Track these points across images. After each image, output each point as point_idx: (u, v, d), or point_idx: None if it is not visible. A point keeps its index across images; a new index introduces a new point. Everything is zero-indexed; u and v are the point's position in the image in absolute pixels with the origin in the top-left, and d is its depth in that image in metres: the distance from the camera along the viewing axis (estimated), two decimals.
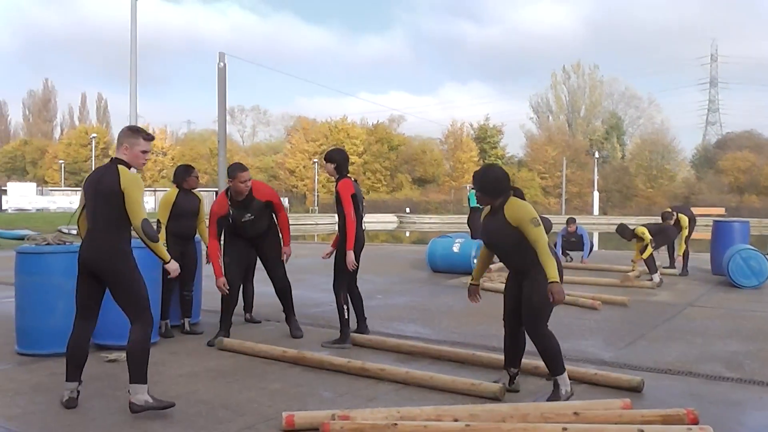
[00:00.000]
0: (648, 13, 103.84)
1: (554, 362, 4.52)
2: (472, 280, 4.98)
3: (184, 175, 6.80)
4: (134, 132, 4.40)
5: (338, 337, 6.31)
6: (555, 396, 4.47)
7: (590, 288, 9.98)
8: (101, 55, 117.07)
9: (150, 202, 57.24)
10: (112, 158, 4.36)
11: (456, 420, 3.94)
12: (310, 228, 44.44)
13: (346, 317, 6.31)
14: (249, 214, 6.33)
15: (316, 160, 70.08)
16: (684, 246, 11.66)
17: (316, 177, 69.45)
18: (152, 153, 64.73)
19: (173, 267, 4.62)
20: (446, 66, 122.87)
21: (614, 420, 3.96)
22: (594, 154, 67.54)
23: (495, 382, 4.71)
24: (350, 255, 6.15)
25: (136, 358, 4.21)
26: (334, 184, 6.39)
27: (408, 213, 59.48)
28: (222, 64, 21.97)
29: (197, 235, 6.96)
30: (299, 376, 5.25)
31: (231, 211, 6.32)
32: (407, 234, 43.79)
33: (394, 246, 22.98)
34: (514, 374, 4.78)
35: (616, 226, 11.33)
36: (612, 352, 6.13)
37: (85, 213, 4.41)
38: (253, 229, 6.41)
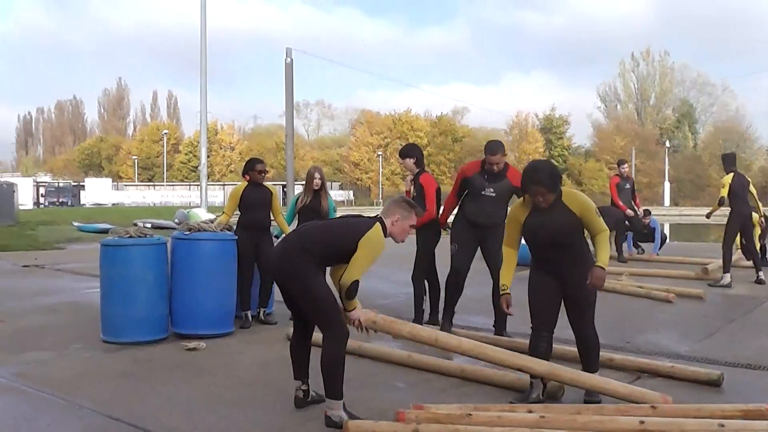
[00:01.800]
0: None
1: (595, 360, 4.46)
2: (504, 289, 4.49)
3: (247, 168, 6.98)
4: (411, 208, 4.26)
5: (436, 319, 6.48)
6: (593, 394, 4.31)
7: (663, 280, 9.74)
8: (171, 54, 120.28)
9: (219, 196, 58.67)
10: (378, 217, 4.20)
11: (530, 411, 3.94)
12: None
13: (422, 308, 6.43)
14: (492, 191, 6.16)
15: (380, 152, 70.38)
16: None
17: (381, 170, 69.73)
18: (220, 148, 65.64)
19: (355, 316, 4.25)
20: (509, 56, 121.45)
21: (693, 414, 3.88)
22: (664, 144, 65.70)
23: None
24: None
25: (328, 371, 4.02)
26: (413, 178, 6.54)
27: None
28: (289, 59, 22.29)
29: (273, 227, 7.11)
30: (371, 365, 5.33)
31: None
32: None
33: None
34: (547, 382, 4.41)
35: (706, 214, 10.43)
36: (688, 346, 5.99)
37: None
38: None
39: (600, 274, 4.17)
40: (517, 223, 4.41)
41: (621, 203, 11.70)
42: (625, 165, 12.37)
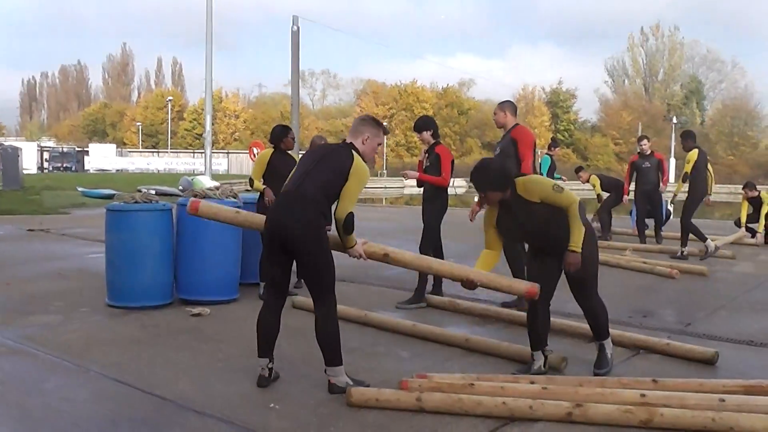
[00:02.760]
0: None
1: (604, 328, 4.47)
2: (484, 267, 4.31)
3: (281, 136, 6.86)
4: (378, 125, 4.21)
5: (412, 296, 6.45)
6: (601, 358, 4.42)
7: (667, 257, 9.75)
8: (176, 20, 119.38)
9: (223, 164, 58.62)
10: (346, 142, 4.15)
11: (533, 383, 3.97)
12: (380, 192, 44.64)
13: (425, 278, 6.46)
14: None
15: (385, 123, 70.06)
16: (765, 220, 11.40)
17: (385, 141, 69.48)
18: (225, 116, 65.44)
19: (357, 252, 4.21)
20: (516, 28, 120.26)
21: (694, 388, 3.92)
22: (672, 120, 65.18)
23: (590, 341, 4.61)
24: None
25: (329, 341, 4.05)
26: (428, 149, 6.55)
27: None
28: (295, 27, 22.09)
29: None
30: (376, 335, 5.38)
31: None
32: (475, 199, 43.49)
33: (463, 210, 22.90)
34: (549, 353, 4.44)
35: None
36: (690, 322, 6.02)
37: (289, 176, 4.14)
38: None
39: (573, 259, 4.13)
40: (490, 227, 4.31)
41: (626, 186, 11.43)
42: (644, 141, 11.07)
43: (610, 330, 4.58)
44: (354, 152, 4.02)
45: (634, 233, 12.23)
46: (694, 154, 9.50)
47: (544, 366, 4.40)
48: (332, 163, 3.99)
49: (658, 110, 72.07)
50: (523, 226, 4.24)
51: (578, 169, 13.10)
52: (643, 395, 3.71)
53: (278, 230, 3.95)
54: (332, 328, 4.04)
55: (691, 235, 9.75)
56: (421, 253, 6.62)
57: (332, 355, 4.04)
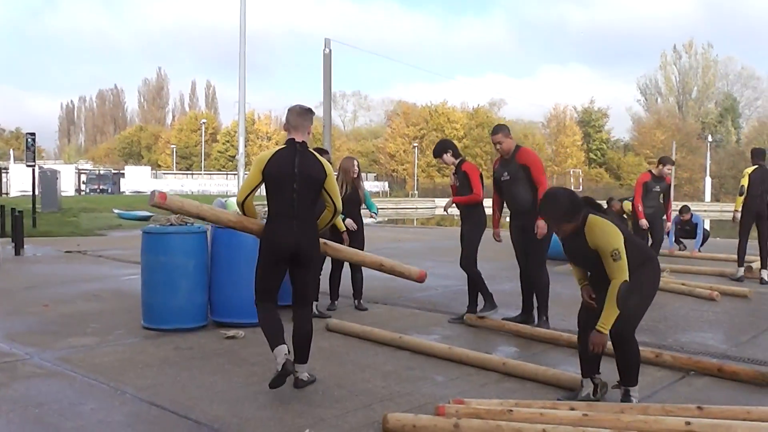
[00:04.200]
0: None
1: (634, 372, 4.15)
2: (582, 281, 4.31)
3: None
4: (312, 113, 4.54)
5: (484, 305, 6.51)
6: (626, 399, 4.12)
7: (707, 278, 9.54)
8: (209, 44, 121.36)
9: None
10: (300, 142, 4.41)
11: (572, 409, 3.88)
12: (410, 212, 44.60)
13: (487, 290, 6.54)
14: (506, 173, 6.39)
15: (416, 144, 70.21)
16: None
17: (416, 161, 69.56)
18: (257, 138, 66.34)
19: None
20: (546, 48, 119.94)
21: (741, 416, 3.78)
22: (706, 138, 64.29)
23: (615, 386, 4.25)
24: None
25: (309, 340, 4.50)
26: (456, 169, 6.56)
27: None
28: (327, 50, 22.29)
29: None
30: (409, 358, 5.31)
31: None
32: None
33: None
34: (599, 382, 4.27)
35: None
36: (734, 346, 5.85)
37: (276, 200, 4.36)
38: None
39: (597, 339, 3.92)
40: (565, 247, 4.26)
41: (641, 209, 9.82)
42: (667, 166, 10.05)
43: (653, 350, 4.41)
44: (318, 155, 4.47)
45: (671, 253, 12.01)
46: (750, 169, 9.43)
47: (594, 394, 4.23)
48: (313, 182, 4.37)
49: (692, 128, 71.14)
50: (580, 257, 4.14)
51: (609, 200, 12.77)
52: (688, 423, 3.59)
53: (289, 248, 4.32)
54: (311, 328, 4.51)
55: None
56: (464, 268, 6.57)
57: (303, 355, 4.48)
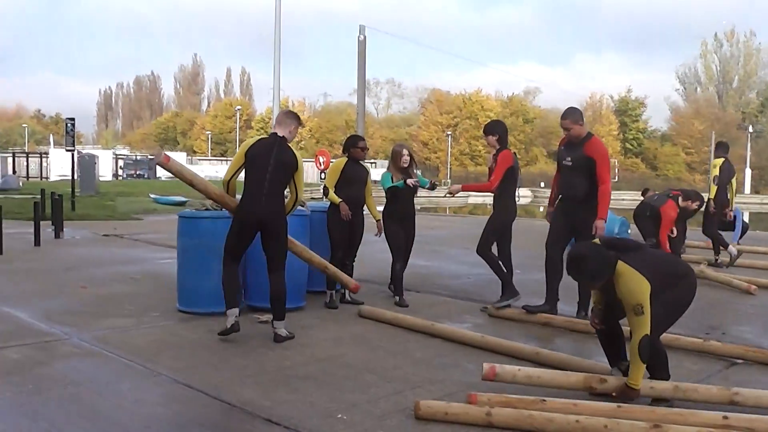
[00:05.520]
0: None
1: (665, 368, 4.08)
2: (597, 304, 4.26)
3: (349, 145, 6.85)
4: (299, 118, 5.51)
5: (502, 295, 6.46)
6: (660, 400, 3.99)
7: (745, 271, 9.36)
8: (244, 31, 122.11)
9: None
10: (281, 136, 5.34)
11: (607, 400, 3.83)
12: (443, 201, 44.45)
13: (504, 271, 6.46)
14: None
15: (449, 132, 69.89)
16: None
17: (449, 149, 69.28)
18: None
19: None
20: (582, 35, 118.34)
21: None
22: (747, 129, 62.84)
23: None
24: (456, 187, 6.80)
25: (283, 299, 5.29)
26: (495, 153, 6.49)
27: (542, 187, 58.14)
28: (362, 37, 22.24)
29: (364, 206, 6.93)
30: (441, 346, 5.30)
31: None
32: (541, 209, 42.83)
33: (530, 220, 22.57)
34: (626, 368, 4.16)
35: None
36: None
37: (251, 178, 5.22)
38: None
39: (627, 393, 3.87)
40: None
41: (666, 240, 9.12)
42: (695, 202, 9.75)
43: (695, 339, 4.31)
44: (293, 150, 5.34)
45: (708, 246, 11.77)
46: (718, 161, 10.04)
47: None
48: (285, 166, 5.26)
49: (732, 118, 69.62)
50: (606, 295, 4.10)
51: (645, 191, 12.48)
52: (725, 417, 3.53)
53: (256, 217, 5.17)
54: (284, 290, 5.27)
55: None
56: (480, 254, 6.49)
57: (279, 313, 5.29)
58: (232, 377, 4.42)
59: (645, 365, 3.84)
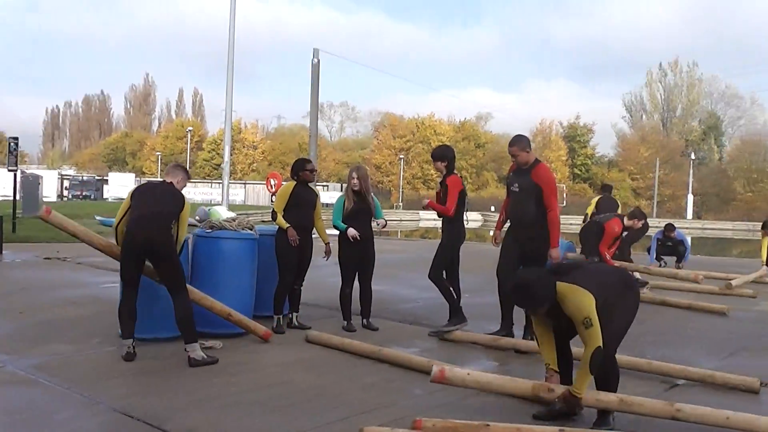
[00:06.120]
0: (752, 7, 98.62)
1: (614, 387, 4.16)
2: (550, 365, 4.24)
3: (297, 169, 6.77)
4: (186, 171, 5.98)
5: (449, 320, 6.50)
6: (603, 421, 4.09)
7: (687, 294, 9.60)
8: (197, 52, 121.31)
9: (240, 194, 58.91)
10: (169, 182, 5.73)
11: (551, 424, 3.86)
12: (395, 224, 44.61)
13: (454, 297, 6.52)
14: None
15: (402, 156, 70.32)
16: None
17: (402, 173, 69.66)
18: (243, 146, 66.19)
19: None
20: (533, 63, 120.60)
21: (722, 422, 3.84)
22: (690, 156, 64.88)
23: None
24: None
25: (188, 321, 5.30)
26: (442, 179, 6.58)
27: (493, 211, 58.82)
28: (316, 60, 22.31)
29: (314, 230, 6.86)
30: (389, 371, 5.28)
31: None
32: (491, 233, 43.26)
33: (480, 244, 22.81)
34: None
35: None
36: (714, 362, 5.86)
37: (137, 207, 5.46)
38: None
39: (572, 402, 3.97)
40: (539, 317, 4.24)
41: (605, 253, 9.10)
42: (640, 221, 9.76)
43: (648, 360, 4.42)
44: (181, 194, 5.69)
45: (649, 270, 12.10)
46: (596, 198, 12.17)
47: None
48: (170, 200, 5.56)
49: (676, 145, 71.76)
50: (557, 322, 4.16)
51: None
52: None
53: (143, 244, 5.30)
54: (189, 311, 5.33)
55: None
56: (432, 279, 6.54)
57: (190, 335, 5.28)
58: (176, 405, 4.32)
59: (592, 377, 3.91)
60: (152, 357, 5.43)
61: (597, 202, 12.11)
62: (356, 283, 6.82)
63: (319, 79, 22.97)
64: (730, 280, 10.32)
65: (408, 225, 45.71)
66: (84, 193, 55.72)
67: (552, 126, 75.06)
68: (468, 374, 4.20)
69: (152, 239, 5.29)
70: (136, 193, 5.63)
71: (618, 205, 12.11)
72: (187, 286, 5.57)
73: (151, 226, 5.32)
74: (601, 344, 3.87)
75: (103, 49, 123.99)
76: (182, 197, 5.64)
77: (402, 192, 68.77)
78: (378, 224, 6.85)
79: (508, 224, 6.49)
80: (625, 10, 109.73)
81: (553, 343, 4.24)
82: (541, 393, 4.08)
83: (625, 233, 9.63)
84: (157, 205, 5.46)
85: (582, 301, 3.92)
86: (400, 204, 65.99)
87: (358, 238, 6.62)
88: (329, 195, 53.30)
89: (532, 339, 5.89)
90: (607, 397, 4.02)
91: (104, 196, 55.73)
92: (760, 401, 4.76)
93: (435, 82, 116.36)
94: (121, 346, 5.39)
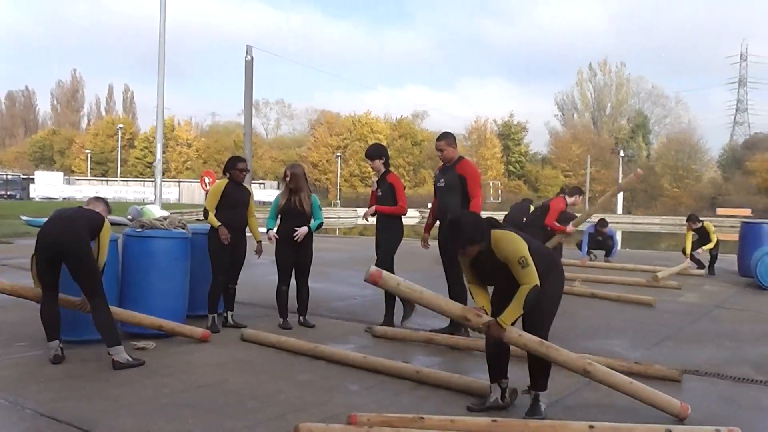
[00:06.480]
0: (677, 11, 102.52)
1: (545, 377, 4.27)
2: (482, 305, 4.28)
3: (229, 167, 6.66)
4: (108, 204, 5.84)
5: (404, 311, 6.75)
6: (534, 408, 4.18)
7: (616, 287, 9.91)
8: (128, 47, 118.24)
9: (174, 193, 57.80)
10: (88, 208, 5.61)
11: (483, 415, 3.94)
12: (333, 222, 44.53)
13: (393, 307, 6.72)
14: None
15: (339, 153, 70.24)
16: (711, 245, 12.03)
17: (339, 171, 69.59)
18: (176, 144, 65.26)
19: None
20: (468, 62, 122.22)
21: (625, 388, 4.10)
22: (619, 153, 66.90)
23: (525, 392, 4.34)
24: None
25: (105, 325, 5.18)
26: (380, 178, 6.62)
27: (430, 208, 59.26)
28: (249, 57, 22.06)
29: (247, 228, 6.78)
30: (325, 368, 5.29)
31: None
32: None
33: (417, 241, 22.99)
34: (506, 386, 4.37)
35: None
36: (639, 353, 6.08)
37: (53, 218, 5.38)
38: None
39: (495, 331, 4.06)
40: (466, 267, 4.31)
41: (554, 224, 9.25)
42: (580, 196, 10.09)
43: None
44: (105, 218, 5.57)
45: (582, 264, 12.46)
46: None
47: (502, 399, 4.32)
48: (94, 216, 5.47)
49: (607, 143, 73.86)
50: (489, 273, 4.20)
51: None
52: (591, 427, 3.71)
53: (57, 246, 5.17)
54: (107, 316, 5.22)
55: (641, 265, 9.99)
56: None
57: (111, 338, 5.15)
58: (105, 408, 4.22)
59: (521, 312, 4.02)
60: (81, 360, 5.29)
61: (510, 207, 12.64)
62: (293, 281, 6.80)
63: (252, 77, 22.73)
64: (656, 272, 10.70)
65: (345, 222, 45.68)
66: (9, 193, 53.79)
67: (487, 124, 76.25)
68: (403, 281, 4.30)
69: (63, 240, 5.18)
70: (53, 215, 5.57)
71: (530, 209, 11.63)
72: (111, 307, 5.42)
73: (64, 227, 5.24)
74: (538, 284, 3.98)
75: (27, 43, 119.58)
76: (101, 217, 5.54)
77: (339, 190, 68.73)
78: (296, 233, 6.62)
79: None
80: (554, 12, 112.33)
81: (486, 293, 4.31)
82: (470, 315, 4.16)
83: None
84: (74, 213, 5.45)
85: (517, 244, 4.06)
86: (338, 202, 65.93)
87: (275, 240, 6.65)
88: (266, 193, 52.85)
89: (466, 333, 6.05)
90: (529, 337, 4.12)
91: (30, 196, 53.83)
92: (682, 388, 4.95)
93: (371, 80, 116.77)
94: (49, 349, 5.25)
